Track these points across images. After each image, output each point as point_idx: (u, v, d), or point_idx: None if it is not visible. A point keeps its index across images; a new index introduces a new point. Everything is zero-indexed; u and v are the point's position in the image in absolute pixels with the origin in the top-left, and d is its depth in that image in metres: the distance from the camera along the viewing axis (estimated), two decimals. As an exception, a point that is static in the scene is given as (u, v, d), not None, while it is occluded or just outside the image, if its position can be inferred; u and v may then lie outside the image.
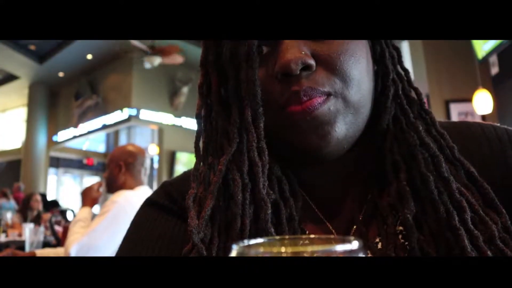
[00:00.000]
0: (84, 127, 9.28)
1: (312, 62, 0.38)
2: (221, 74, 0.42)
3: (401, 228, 0.39)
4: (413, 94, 0.45)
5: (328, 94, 0.38)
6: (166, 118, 8.65)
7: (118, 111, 8.44)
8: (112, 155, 1.95)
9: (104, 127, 8.86)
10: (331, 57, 0.39)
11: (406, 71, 0.46)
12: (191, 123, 8.94)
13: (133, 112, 8.20)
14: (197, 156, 0.43)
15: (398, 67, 0.46)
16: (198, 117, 0.44)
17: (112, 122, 8.64)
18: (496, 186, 0.40)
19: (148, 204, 0.51)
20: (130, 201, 1.74)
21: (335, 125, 0.38)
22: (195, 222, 0.37)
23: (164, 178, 8.58)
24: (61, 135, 9.87)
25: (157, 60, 6.54)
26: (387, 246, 0.38)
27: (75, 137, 9.59)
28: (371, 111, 0.43)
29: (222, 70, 0.42)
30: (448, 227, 0.36)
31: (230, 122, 0.40)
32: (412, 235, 0.37)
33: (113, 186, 1.89)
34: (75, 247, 1.58)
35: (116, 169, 1.89)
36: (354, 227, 0.43)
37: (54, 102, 10.36)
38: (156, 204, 0.49)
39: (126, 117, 8.28)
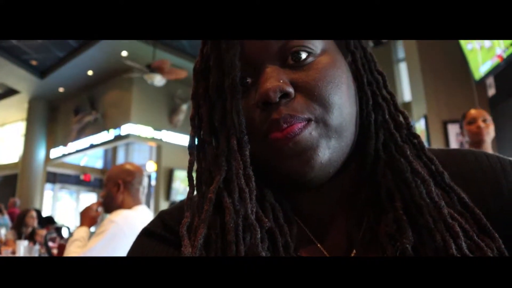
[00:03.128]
0: (82, 142, 9.26)
1: (290, 89, 0.39)
2: (210, 105, 0.44)
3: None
4: (401, 118, 0.46)
5: (308, 120, 0.39)
6: (165, 135, 8.66)
7: (117, 127, 8.44)
8: (110, 174, 1.94)
9: (103, 143, 8.85)
10: (309, 84, 0.40)
11: (391, 95, 0.46)
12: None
13: (131, 128, 8.20)
14: (190, 185, 0.44)
15: (384, 91, 0.46)
16: (190, 147, 0.44)
17: (110, 138, 8.63)
18: (491, 214, 0.40)
19: (145, 234, 0.50)
20: (129, 221, 1.72)
21: (318, 149, 0.39)
22: (188, 250, 0.38)
23: (162, 196, 8.53)
24: (59, 150, 9.85)
25: (157, 78, 6.59)
26: None
27: (73, 152, 9.57)
28: (358, 136, 0.44)
29: (211, 102, 0.44)
30: (445, 255, 0.36)
31: (219, 151, 0.42)
32: None
33: (111, 205, 1.87)
34: (70, 267, 1.56)
35: (114, 188, 1.88)
36: (352, 254, 0.43)
37: (53, 117, 10.38)
38: (153, 234, 0.49)
39: (124, 133, 8.29)
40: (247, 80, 0.42)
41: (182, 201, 0.52)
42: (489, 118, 2.26)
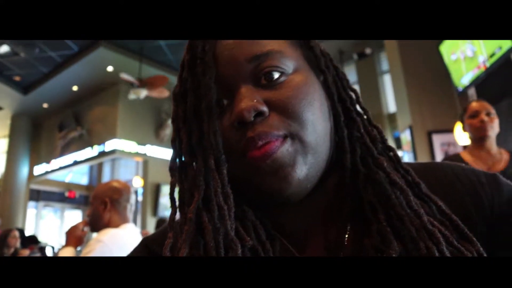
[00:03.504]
0: (67, 159, 9.11)
1: (264, 108, 0.41)
2: (189, 128, 0.45)
3: None
4: (375, 132, 0.47)
5: (284, 136, 0.41)
6: (151, 150, 8.58)
7: (103, 143, 8.34)
8: (96, 192, 1.89)
9: (88, 159, 8.72)
10: (282, 101, 0.41)
11: (365, 110, 0.48)
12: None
13: (117, 144, 8.11)
14: (172, 206, 0.44)
15: (358, 107, 0.48)
16: (172, 169, 0.45)
17: (96, 154, 8.51)
18: (475, 224, 0.42)
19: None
20: (116, 240, 1.68)
21: (295, 166, 0.40)
22: None
23: (149, 211, 8.40)
24: (43, 167, 9.65)
25: (143, 93, 6.56)
26: None
27: (57, 169, 9.39)
28: (334, 151, 0.46)
29: (189, 124, 0.45)
30: None
31: (197, 171, 0.42)
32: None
33: (97, 224, 1.83)
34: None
35: (101, 206, 1.83)
36: None
37: (37, 134, 10.20)
38: None
39: (110, 149, 8.18)
40: (223, 102, 0.43)
41: (165, 226, 0.51)
42: (493, 112, 2.00)
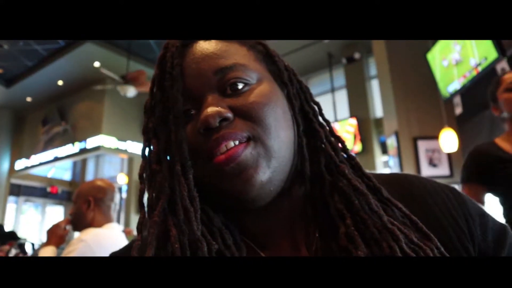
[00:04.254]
0: (50, 154, 8.94)
1: (229, 114, 0.43)
2: (158, 138, 0.47)
3: None
4: (336, 142, 0.51)
5: (248, 139, 0.43)
6: (137, 148, 8.49)
7: (87, 139, 8.21)
8: (80, 191, 1.85)
9: (72, 155, 8.57)
10: (246, 106, 0.44)
11: (327, 122, 0.51)
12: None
13: (102, 140, 8.00)
14: (141, 211, 0.46)
15: (320, 118, 0.51)
16: (141, 177, 0.47)
17: (80, 150, 8.37)
18: (444, 233, 0.45)
19: None
20: (99, 239, 1.64)
21: (258, 168, 0.43)
22: None
23: (133, 208, 8.31)
24: (25, 162, 9.45)
25: (130, 90, 6.48)
26: None
27: (40, 164, 9.21)
28: (298, 159, 0.48)
29: (158, 135, 0.47)
30: None
31: (163, 178, 0.45)
32: None
33: (80, 223, 1.79)
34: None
35: (85, 205, 1.80)
36: None
37: (20, 127, 9.99)
38: None
39: (95, 145, 8.06)
40: (192, 112, 0.46)
41: (132, 241, 0.53)
42: None
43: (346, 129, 6.78)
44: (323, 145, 0.49)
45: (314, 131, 0.49)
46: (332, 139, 0.50)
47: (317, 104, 0.52)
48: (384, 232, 0.42)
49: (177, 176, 0.43)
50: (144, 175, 0.47)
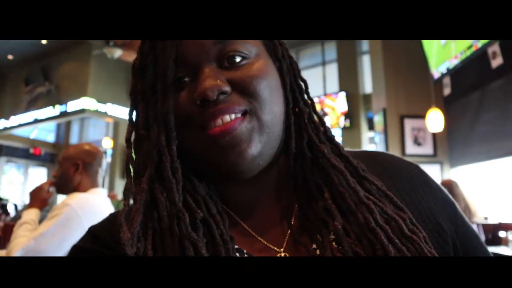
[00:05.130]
0: (33, 114, 8.74)
1: (227, 88, 0.43)
2: (146, 103, 0.47)
3: (332, 236, 0.44)
4: (318, 121, 0.52)
5: (244, 113, 0.44)
6: (122, 112, 8.36)
7: (72, 101, 8.03)
8: (68, 153, 1.82)
9: (55, 116, 8.41)
10: (244, 80, 0.44)
11: (311, 101, 0.52)
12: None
13: (87, 103, 7.84)
14: (127, 176, 0.47)
15: (305, 97, 0.52)
16: (127, 141, 0.48)
17: (64, 112, 8.21)
18: (414, 206, 0.49)
19: (75, 251, 0.50)
20: (84, 205, 1.64)
21: (251, 143, 0.44)
22: (127, 235, 0.40)
23: (117, 173, 8.29)
24: (7, 122, 9.24)
25: (117, 52, 6.30)
26: (325, 252, 0.43)
27: (22, 124, 9.02)
28: (285, 135, 0.49)
29: (146, 99, 0.47)
30: (368, 229, 0.43)
31: (150, 146, 0.45)
32: (344, 240, 0.43)
33: (66, 186, 1.77)
34: (19, 252, 1.47)
35: (72, 168, 1.77)
36: (286, 238, 0.47)
37: (1, 86, 9.69)
38: (84, 251, 0.49)
39: (79, 108, 7.91)
40: (185, 79, 0.45)
41: (111, 214, 0.53)
42: None
43: (329, 105, 6.79)
44: (306, 124, 0.50)
45: (299, 109, 0.50)
46: (315, 118, 0.51)
47: (304, 81, 0.52)
48: (360, 205, 0.45)
49: (161, 146, 0.44)
50: (131, 139, 0.47)
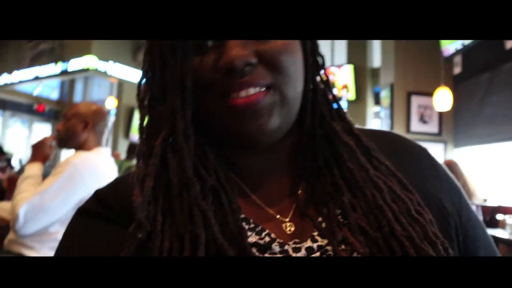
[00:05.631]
0: (37, 71, 8.67)
1: (254, 60, 0.42)
2: (164, 63, 0.45)
3: (339, 211, 0.45)
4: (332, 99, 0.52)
5: (268, 87, 0.43)
6: (128, 73, 8.27)
7: (76, 59, 7.94)
8: (78, 110, 1.81)
9: (60, 74, 8.34)
10: (272, 54, 0.43)
11: (327, 77, 0.52)
12: (153, 81, 8.63)
13: (92, 61, 7.75)
14: (140, 137, 0.46)
15: (322, 74, 0.51)
16: (142, 102, 0.47)
17: (69, 70, 8.13)
18: (420, 189, 0.48)
19: (80, 213, 0.50)
20: (87, 164, 1.66)
21: (271, 117, 0.43)
22: (139, 200, 0.40)
23: (121, 133, 8.33)
24: (10, 77, 9.18)
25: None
26: (331, 225, 0.44)
27: (25, 81, 8.96)
28: (300, 110, 0.49)
29: (165, 60, 0.45)
30: (375, 206, 0.43)
31: (166, 107, 0.44)
32: (350, 215, 0.44)
33: (71, 142, 1.78)
34: (24, 207, 1.50)
35: (81, 125, 1.77)
36: (292, 209, 0.48)
37: (4, 41, 9.54)
38: (89, 212, 0.49)
39: (84, 66, 7.82)
40: (208, 43, 0.43)
41: (117, 178, 0.53)
42: None
43: (334, 77, 6.70)
44: (320, 100, 0.50)
45: (315, 85, 0.50)
46: (329, 96, 0.51)
47: (322, 57, 0.52)
48: (368, 182, 0.45)
49: (176, 111, 0.43)
50: (146, 99, 0.46)
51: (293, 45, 0.45)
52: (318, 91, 0.50)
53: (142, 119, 0.47)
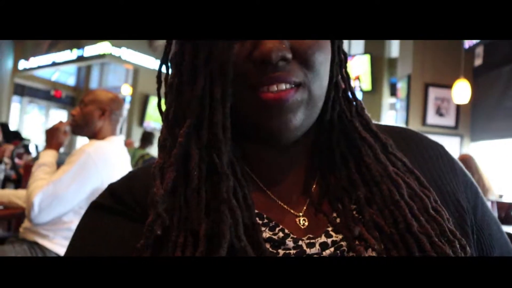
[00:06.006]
0: (54, 57, 8.78)
1: (290, 55, 0.41)
2: (195, 45, 0.43)
3: (354, 206, 0.45)
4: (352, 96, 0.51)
5: (299, 85, 0.42)
6: (143, 60, 8.31)
7: (93, 45, 8.00)
8: (96, 97, 1.82)
9: (76, 60, 8.43)
10: (306, 52, 0.42)
11: (348, 75, 0.51)
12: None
13: (108, 48, 7.80)
14: (164, 125, 0.45)
15: (344, 71, 0.50)
16: (170, 86, 0.45)
17: (85, 56, 8.21)
18: (444, 188, 0.48)
19: (93, 207, 0.50)
20: (100, 152, 1.67)
21: (297, 115, 0.42)
22: (160, 192, 0.39)
23: (135, 120, 8.41)
24: (29, 62, 9.32)
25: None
26: (346, 220, 0.43)
27: (43, 66, 9.09)
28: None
29: (196, 43, 0.43)
30: (391, 202, 0.43)
31: (194, 95, 0.42)
32: (365, 210, 0.44)
33: (86, 128, 1.78)
34: (39, 196, 1.52)
35: (98, 112, 1.78)
36: (306, 204, 0.47)
37: (23, 25, 9.66)
38: (102, 207, 0.49)
39: (100, 52, 7.89)
40: None
41: (131, 172, 0.53)
42: None
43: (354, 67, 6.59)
44: (340, 97, 0.49)
45: (337, 82, 0.49)
46: (349, 94, 0.51)
47: (345, 54, 0.51)
48: (385, 177, 0.44)
49: (215, 101, 0.41)
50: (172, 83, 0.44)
51: (326, 43, 0.45)
52: (340, 88, 0.49)
53: (168, 107, 0.45)
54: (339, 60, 0.50)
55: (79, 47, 8.29)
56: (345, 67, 0.51)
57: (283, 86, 0.41)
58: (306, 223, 0.45)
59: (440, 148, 0.54)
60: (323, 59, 0.44)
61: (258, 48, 0.40)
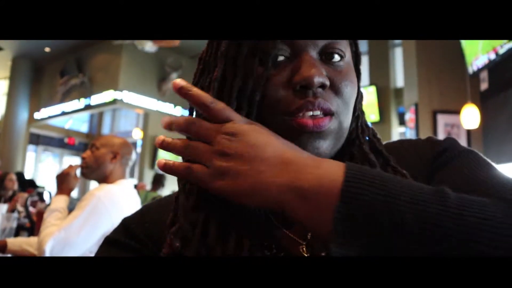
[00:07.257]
0: (68, 105, 9.06)
1: (328, 83, 0.43)
2: (236, 70, 0.44)
3: None
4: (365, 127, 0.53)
5: (331, 114, 0.43)
6: (153, 104, 8.51)
7: (104, 93, 8.25)
8: (108, 141, 1.86)
9: (89, 107, 8.67)
10: (340, 83, 0.44)
11: (361, 111, 0.53)
12: (177, 110, 8.82)
13: (119, 94, 8.03)
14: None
15: (361, 106, 0.53)
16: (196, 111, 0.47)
17: (97, 103, 8.45)
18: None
19: (107, 242, 0.52)
20: (111, 196, 1.68)
21: (327, 143, 0.44)
22: (186, 205, 0.42)
23: (147, 163, 8.48)
24: (43, 112, 9.61)
25: (148, 44, 6.40)
26: None
27: (57, 115, 9.36)
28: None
29: (235, 67, 0.44)
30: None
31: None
32: None
33: (97, 171, 1.79)
34: (50, 243, 1.52)
35: (110, 155, 1.81)
36: (309, 234, 0.46)
37: (38, 78, 10.07)
38: (116, 243, 0.51)
39: (111, 99, 8.11)
40: (280, 58, 0.43)
41: (145, 206, 0.54)
42: None
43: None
44: (358, 128, 0.52)
45: (358, 116, 0.52)
46: (364, 127, 0.53)
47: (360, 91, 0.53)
48: None
49: None
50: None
51: (354, 78, 0.47)
52: (359, 121, 0.52)
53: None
54: (360, 96, 0.52)
55: (90, 94, 8.54)
56: (361, 103, 0.53)
57: (318, 112, 0.42)
58: (310, 251, 0.44)
59: (429, 143, 0.54)
60: (353, 92, 0.46)
61: (299, 74, 0.42)
